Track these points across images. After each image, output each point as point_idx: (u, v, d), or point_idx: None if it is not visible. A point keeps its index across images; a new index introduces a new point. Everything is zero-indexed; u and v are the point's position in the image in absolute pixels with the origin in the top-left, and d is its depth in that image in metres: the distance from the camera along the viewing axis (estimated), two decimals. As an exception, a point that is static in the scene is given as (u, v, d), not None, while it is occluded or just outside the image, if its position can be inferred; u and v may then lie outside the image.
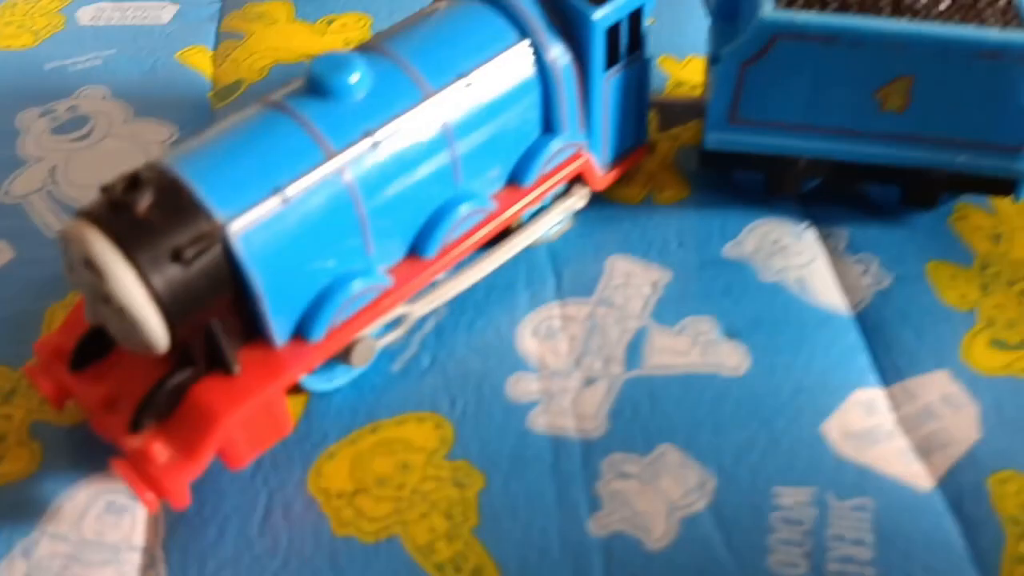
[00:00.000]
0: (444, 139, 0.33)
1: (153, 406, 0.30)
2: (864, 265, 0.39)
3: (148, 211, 0.28)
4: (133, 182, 0.28)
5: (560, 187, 0.39)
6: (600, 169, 0.40)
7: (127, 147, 0.46)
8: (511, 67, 0.35)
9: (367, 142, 0.31)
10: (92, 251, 0.27)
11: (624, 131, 0.40)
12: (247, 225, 0.29)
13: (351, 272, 0.32)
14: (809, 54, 0.35)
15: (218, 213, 0.29)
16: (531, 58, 0.35)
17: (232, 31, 0.54)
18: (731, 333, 0.37)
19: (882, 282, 0.39)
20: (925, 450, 0.33)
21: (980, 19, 0.35)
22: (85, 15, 0.55)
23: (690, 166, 0.43)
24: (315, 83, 0.32)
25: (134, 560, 0.31)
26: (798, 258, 0.39)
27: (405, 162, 0.32)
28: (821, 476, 0.32)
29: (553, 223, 0.39)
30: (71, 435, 0.34)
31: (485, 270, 0.37)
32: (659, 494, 0.32)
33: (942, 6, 0.35)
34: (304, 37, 0.53)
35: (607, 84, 0.37)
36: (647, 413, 0.34)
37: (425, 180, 0.33)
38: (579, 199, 0.40)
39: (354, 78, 0.32)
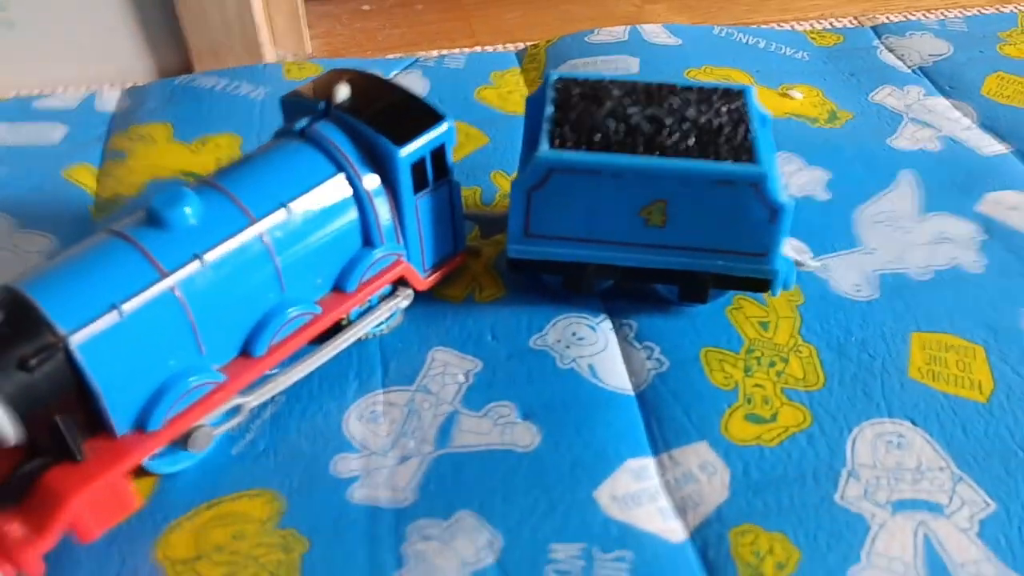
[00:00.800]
0: (267, 256, 0.39)
1: (8, 491, 0.34)
2: (648, 351, 0.46)
3: (0, 327, 0.33)
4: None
5: (386, 289, 0.45)
6: (421, 274, 0.46)
7: (8, 257, 0.50)
8: (328, 194, 0.41)
9: (196, 263, 0.37)
10: None
11: (440, 241, 0.46)
12: (86, 336, 0.34)
13: (186, 370, 0.37)
14: (580, 183, 0.42)
15: (60, 328, 0.34)
16: (348, 187, 0.41)
17: (116, 150, 0.59)
18: (527, 415, 0.43)
19: (662, 366, 0.45)
20: (681, 509, 0.39)
21: (718, 154, 0.42)
22: (-21, 136, 0.60)
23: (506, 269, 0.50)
24: (153, 215, 0.37)
25: (-15, 629, 0.35)
26: (592, 347, 0.46)
27: (231, 277, 0.38)
28: (589, 533, 0.38)
29: (379, 320, 0.45)
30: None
31: (315, 364, 0.43)
32: (454, 552, 0.37)
33: (689, 142, 0.43)
34: (180, 156, 0.59)
35: (418, 205, 0.44)
36: (450, 484, 0.40)
37: (251, 290, 0.39)
38: (403, 299, 0.46)
39: (187, 210, 0.37)
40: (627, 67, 0.66)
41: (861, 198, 0.55)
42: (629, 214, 0.43)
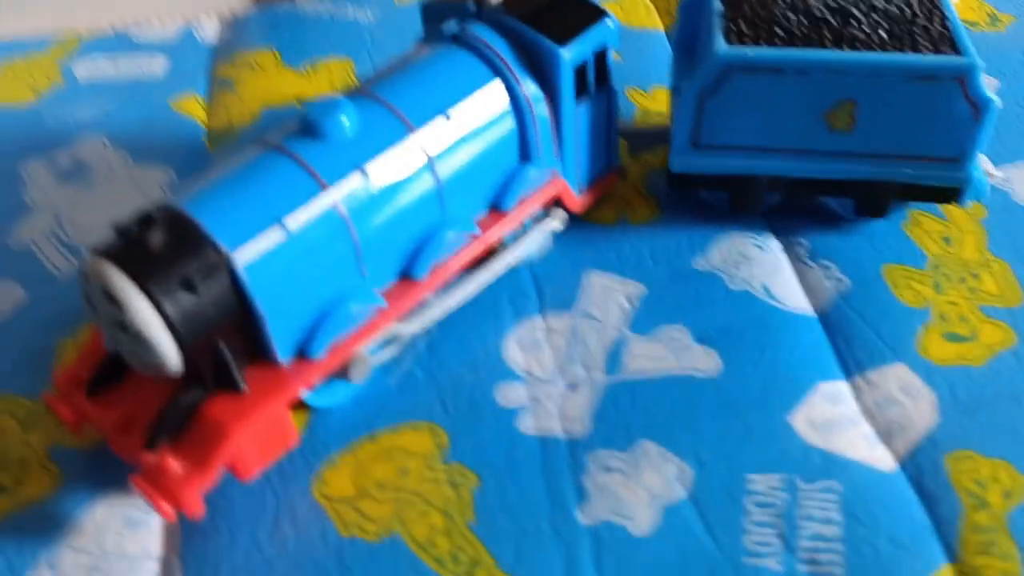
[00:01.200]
0: (428, 170, 0.36)
1: (166, 424, 0.32)
2: (825, 270, 0.42)
3: (160, 246, 0.30)
4: (146, 221, 0.31)
5: (540, 211, 0.42)
6: (576, 192, 0.43)
7: (128, 191, 0.48)
8: (487, 103, 0.38)
9: (358, 176, 0.34)
10: (110, 284, 0.30)
11: (596, 157, 0.43)
12: (250, 255, 0.32)
13: (348, 294, 0.35)
14: (760, 84, 0.38)
15: (223, 245, 0.31)
16: (505, 94, 0.38)
17: (223, 78, 0.56)
18: (703, 339, 0.39)
19: (842, 284, 0.41)
20: (887, 435, 0.36)
21: (915, 46, 0.38)
22: (82, 69, 0.57)
23: (660, 188, 0.46)
24: (308, 125, 0.34)
25: (152, 569, 0.33)
26: (763, 267, 0.42)
27: (393, 192, 0.35)
28: (790, 462, 0.34)
29: (534, 244, 0.42)
30: (88, 457, 0.36)
31: (472, 290, 0.40)
32: (641, 485, 0.34)
33: (881, 34, 0.38)
34: (291, 82, 0.55)
35: (577, 115, 0.40)
36: (628, 413, 0.37)
37: (413, 208, 0.36)
38: (557, 221, 0.43)
39: (344, 119, 0.34)
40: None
41: (1035, 105, 0.50)
42: (813, 118, 0.39)
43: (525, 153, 0.40)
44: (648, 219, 0.45)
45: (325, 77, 0.56)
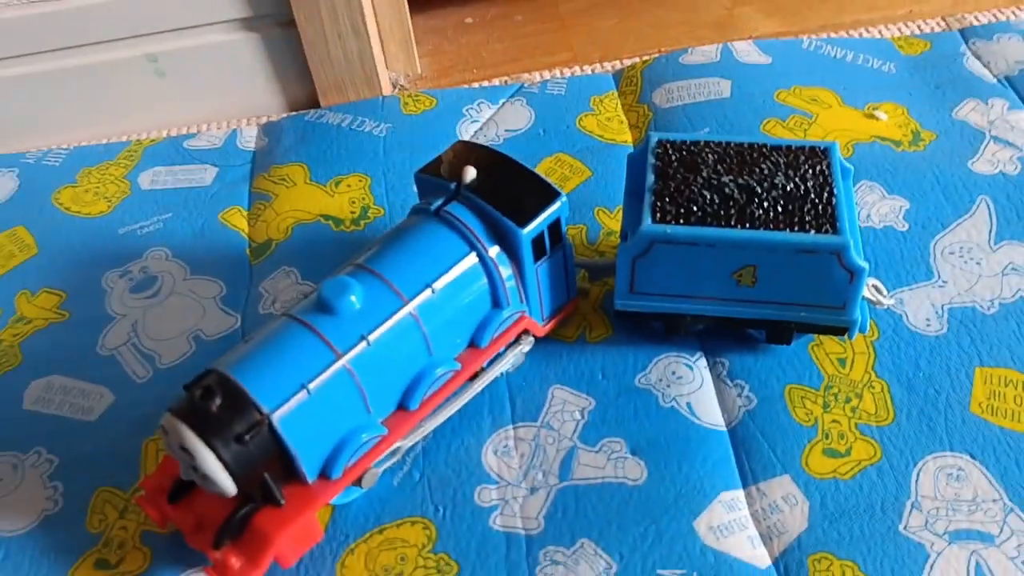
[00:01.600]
0: (417, 329, 0.47)
1: (227, 531, 0.44)
2: (739, 388, 0.53)
3: (217, 409, 0.42)
4: (207, 390, 0.42)
5: (511, 340, 0.53)
6: (540, 323, 0.54)
7: (188, 302, 0.60)
8: (463, 270, 0.49)
9: (363, 343, 0.45)
10: (185, 440, 0.41)
11: (556, 294, 0.54)
12: (284, 412, 0.43)
13: (358, 428, 0.46)
14: (679, 251, 0.49)
15: (264, 408, 0.43)
16: (477, 261, 0.49)
17: (261, 191, 0.68)
18: (635, 450, 0.50)
19: (751, 403, 0.52)
20: (767, 537, 0.47)
21: (802, 224, 0.48)
22: (145, 179, 0.69)
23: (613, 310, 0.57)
24: (324, 303, 0.46)
25: (218, 634, 0.45)
26: (690, 385, 0.53)
27: (390, 349, 0.46)
28: (690, 561, 0.46)
29: (508, 363, 0.53)
30: (170, 541, 0.49)
31: (457, 406, 0.51)
32: (578, 576, 0.46)
33: (778, 211, 0.49)
34: (318, 198, 0.66)
35: (537, 270, 0.51)
36: (573, 514, 0.48)
37: (406, 358, 0.47)
38: (526, 345, 0.54)
39: (352, 298, 0.46)
40: (720, 91, 0.71)
41: (938, 228, 0.60)
42: (723, 276, 0.50)
43: (496, 302, 0.50)
44: (603, 336, 0.56)
45: (346, 193, 0.67)
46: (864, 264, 0.48)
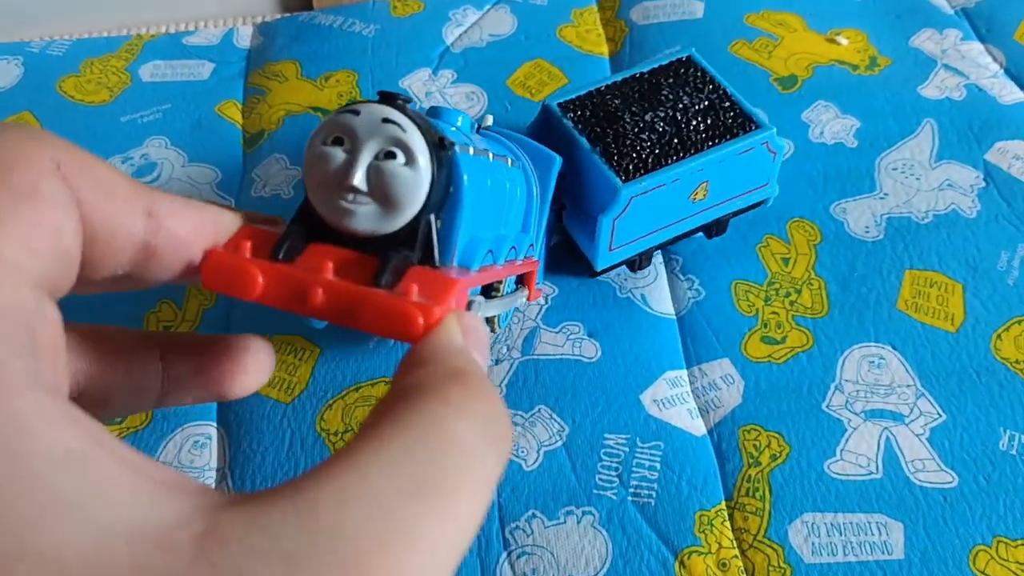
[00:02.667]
0: (507, 186, 0.43)
1: (390, 267, 0.30)
2: (690, 282, 0.58)
3: (414, 115, 0.33)
4: (400, 95, 0.33)
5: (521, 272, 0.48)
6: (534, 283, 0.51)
7: (186, 187, 0.64)
8: (516, 167, 0.47)
9: (486, 152, 0.41)
10: (391, 112, 0.31)
11: (545, 262, 0.55)
12: (464, 151, 0.35)
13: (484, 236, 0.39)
14: (650, 197, 0.52)
15: (449, 137, 0.34)
16: (522, 174, 0.48)
17: (255, 86, 0.71)
18: (592, 333, 0.56)
19: (700, 295, 0.57)
20: (704, 411, 0.52)
21: (733, 131, 0.53)
22: (145, 72, 0.72)
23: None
24: (436, 112, 0.41)
25: (212, 475, 0.51)
26: (646, 279, 0.58)
27: (498, 182, 0.41)
28: (634, 428, 0.51)
29: (515, 301, 0.49)
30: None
31: (497, 308, 0.46)
32: (534, 437, 0.51)
33: (707, 130, 0.54)
34: (308, 92, 0.70)
35: (550, 216, 0.53)
36: (532, 384, 0.53)
37: (499, 206, 0.42)
38: (521, 296, 0.50)
39: (459, 120, 0.41)
40: (692, 12, 0.74)
41: (884, 146, 0.64)
42: (683, 201, 0.54)
43: (525, 226, 0.49)
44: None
45: (334, 88, 0.71)
46: (781, 140, 0.55)
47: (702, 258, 0.59)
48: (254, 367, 0.35)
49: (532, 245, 0.49)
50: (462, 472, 0.24)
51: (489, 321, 0.49)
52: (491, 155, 0.41)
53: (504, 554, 0.47)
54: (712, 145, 0.53)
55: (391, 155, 0.31)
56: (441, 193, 0.33)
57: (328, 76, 0.72)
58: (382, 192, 0.31)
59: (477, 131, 0.48)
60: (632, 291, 0.58)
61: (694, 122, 0.54)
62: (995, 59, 0.70)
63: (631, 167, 0.52)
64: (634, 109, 0.55)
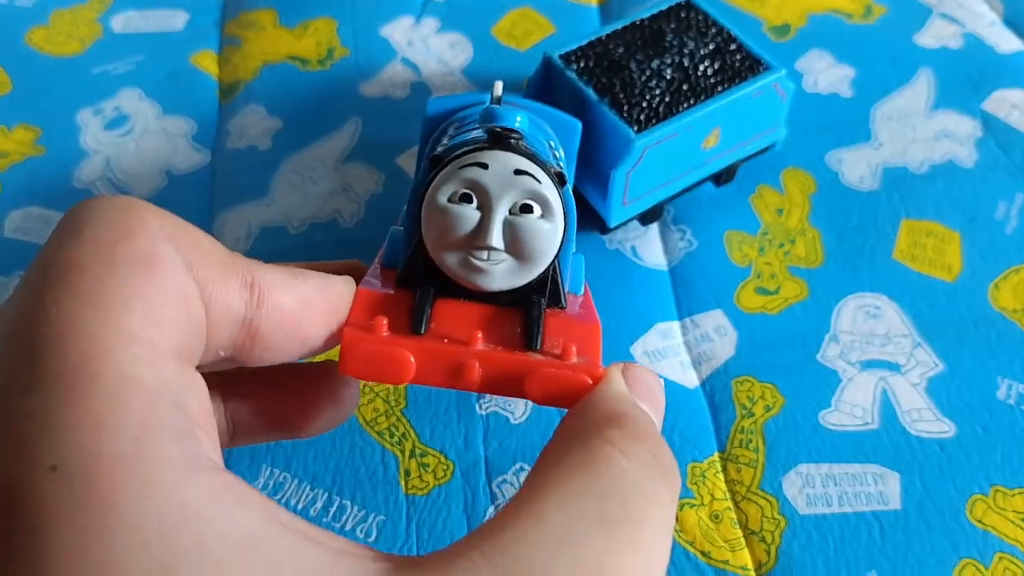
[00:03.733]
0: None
1: (534, 327, 0.30)
2: (682, 233, 0.56)
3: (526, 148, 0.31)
4: (512, 130, 0.31)
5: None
6: None
7: (160, 140, 0.62)
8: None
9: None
10: (522, 162, 0.30)
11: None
12: (568, 184, 0.32)
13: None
14: (663, 147, 0.50)
15: (555, 166, 0.32)
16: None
17: (231, 36, 0.69)
18: (581, 284, 0.54)
19: (692, 246, 0.56)
20: (697, 362, 0.51)
21: (742, 74, 0.51)
22: (117, 23, 0.70)
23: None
24: (494, 116, 0.35)
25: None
26: (636, 230, 0.56)
27: None
28: (624, 379, 0.50)
29: None
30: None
31: None
32: (522, 391, 0.50)
33: (716, 74, 0.52)
34: (286, 41, 0.68)
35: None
36: (520, 338, 0.52)
37: None
38: None
39: (518, 120, 0.34)
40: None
41: (880, 95, 0.63)
42: (695, 149, 0.52)
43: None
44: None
45: (312, 36, 0.68)
46: (790, 81, 0.53)
47: (695, 208, 0.57)
48: (327, 400, 0.33)
49: None
50: (642, 504, 0.24)
51: None
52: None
53: (491, 508, 0.46)
54: (723, 89, 0.51)
55: (527, 208, 0.30)
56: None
57: (307, 24, 0.69)
58: (519, 248, 0.30)
59: (492, 103, 0.46)
60: (622, 242, 0.56)
61: (701, 67, 0.52)
62: (992, 7, 0.69)
63: (642, 117, 0.50)
64: (639, 57, 0.53)
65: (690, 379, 0.50)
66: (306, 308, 0.28)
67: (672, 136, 0.50)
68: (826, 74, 0.64)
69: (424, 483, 0.47)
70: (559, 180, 0.31)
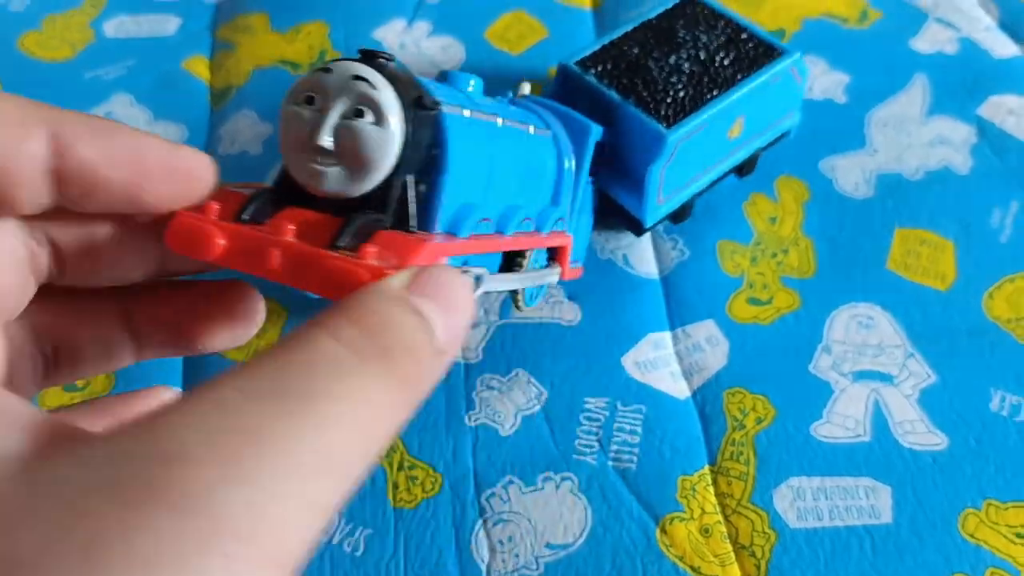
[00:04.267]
0: (524, 155, 0.42)
1: (350, 235, 0.29)
2: (674, 242, 0.56)
3: (396, 70, 0.32)
4: (383, 53, 0.32)
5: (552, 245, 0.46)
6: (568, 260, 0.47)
7: (151, 146, 0.61)
8: (542, 140, 0.45)
9: (496, 118, 0.39)
10: (362, 69, 0.31)
11: (578, 241, 0.50)
12: (453, 111, 0.34)
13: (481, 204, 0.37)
14: (693, 139, 0.50)
15: (437, 97, 0.33)
16: (552, 144, 0.46)
17: (224, 40, 0.69)
18: (572, 296, 0.54)
19: (684, 255, 0.55)
20: (688, 373, 0.51)
21: (759, 62, 0.52)
22: (109, 27, 0.70)
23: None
24: (447, 77, 0.39)
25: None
26: (628, 239, 0.56)
27: (510, 150, 0.40)
28: (615, 390, 0.50)
29: (543, 277, 0.45)
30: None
31: (516, 284, 0.42)
32: (511, 401, 0.50)
33: (733, 64, 0.52)
34: (277, 45, 0.68)
35: (584, 191, 0.49)
36: (510, 348, 0.52)
37: (511, 175, 0.40)
38: (553, 275, 0.47)
39: (471, 83, 0.39)
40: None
41: (875, 101, 0.62)
42: (720, 139, 0.52)
43: (555, 198, 0.46)
44: (550, 191, 0.59)
45: (305, 40, 0.68)
46: (805, 64, 0.54)
47: (689, 219, 0.57)
48: (229, 317, 0.34)
49: (562, 219, 0.46)
50: (332, 379, 0.22)
51: (513, 296, 0.47)
52: (500, 120, 0.39)
53: (479, 521, 0.46)
54: (742, 78, 0.51)
55: (359, 113, 0.30)
56: (421, 155, 0.32)
57: (299, 28, 0.69)
58: (349, 152, 0.31)
59: (512, 99, 0.48)
60: (614, 251, 0.56)
61: (718, 58, 0.52)
62: (988, 12, 0.68)
63: (670, 112, 0.50)
64: (655, 55, 0.53)
65: (681, 390, 0.50)
66: (110, 163, 0.28)
67: (701, 128, 0.50)
68: (820, 80, 0.64)
69: (412, 496, 0.46)
70: (418, 103, 0.31)
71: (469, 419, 0.49)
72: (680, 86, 0.51)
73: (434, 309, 0.26)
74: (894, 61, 0.65)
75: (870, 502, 0.46)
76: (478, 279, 0.34)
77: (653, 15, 0.55)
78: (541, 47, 0.67)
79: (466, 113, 0.36)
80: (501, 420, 0.49)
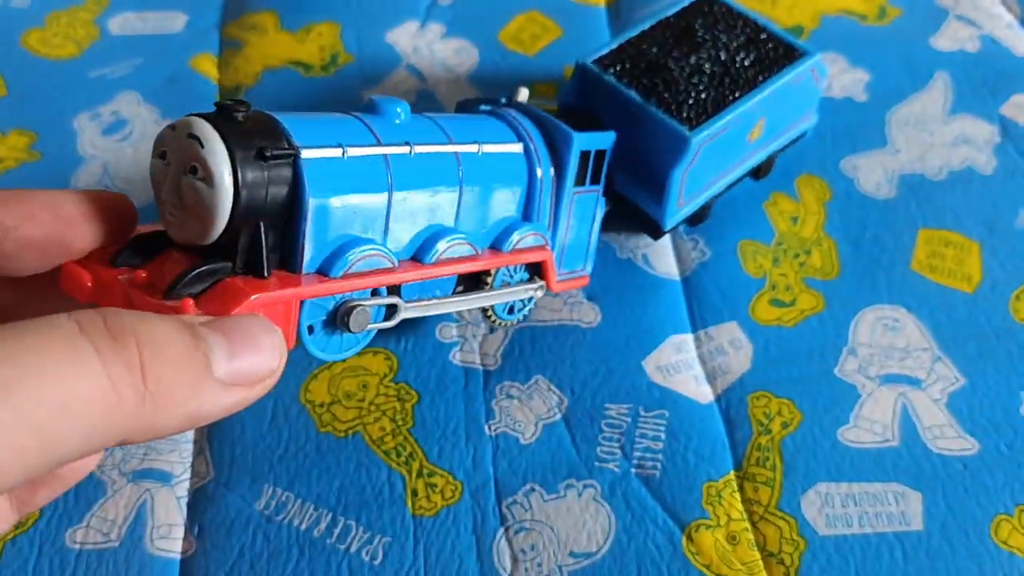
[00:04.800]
0: (455, 176, 0.42)
1: (188, 281, 0.33)
2: (695, 242, 0.55)
3: (245, 121, 0.34)
4: (239, 102, 0.34)
5: (524, 276, 0.47)
6: (554, 273, 0.48)
7: (159, 146, 0.60)
8: (510, 156, 0.45)
9: (405, 147, 0.40)
10: (196, 127, 0.33)
11: (575, 250, 0.50)
12: (314, 155, 0.36)
13: (370, 239, 0.39)
14: (715, 141, 0.49)
15: (295, 142, 0.35)
16: (523, 156, 0.45)
17: (232, 39, 0.67)
18: (591, 296, 0.53)
19: (705, 256, 0.54)
20: (711, 377, 0.50)
21: (780, 63, 0.51)
22: (115, 25, 0.68)
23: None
24: (371, 106, 0.41)
25: (189, 448, 0.48)
26: (647, 239, 0.55)
27: (427, 175, 0.41)
28: (636, 396, 0.48)
29: (515, 294, 0.47)
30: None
31: (461, 306, 0.45)
32: (531, 409, 0.49)
33: (754, 65, 0.51)
34: (288, 45, 0.66)
35: (572, 201, 0.48)
36: (528, 353, 0.50)
37: (436, 202, 0.41)
38: (538, 288, 0.48)
39: (399, 110, 0.40)
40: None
41: (895, 100, 0.61)
42: (742, 142, 0.51)
43: (527, 214, 0.46)
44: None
45: (316, 40, 0.67)
46: (825, 65, 0.53)
47: (708, 218, 0.56)
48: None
49: (537, 234, 0.46)
50: (42, 337, 0.25)
51: (485, 313, 0.47)
52: (410, 149, 0.41)
53: (501, 530, 0.44)
54: (764, 79, 0.51)
55: (194, 170, 0.33)
56: (278, 202, 0.35)
57: (309, 28, 0.68)
58: (188, 205, 0.34)
59: (509, 104, 0.49)
60: (633, 251, 0.55)
61: (738, 59, 0.51)
62: (1010, 9, 0.67)
63: (692, 114, 0.49)
64: (675, 55, 0.51)
65: (704, 394, 0.49)
66: (31, 222, 0.33)
67: (724, 131, 0.49)
68: (840, 78, 0.63)
69: (432, 504, 0.45)
70: (260, 155, 0.34)
71: (489, 428, 0.48)
72: (702, 87, 0.50)
73: (220, 341, 0.29)
74: (914, 59, 0.64)
75: (900, 508, 0.44)
76: (393, 308, 0.41)
77: (671, 13, 0.54)
78: (556, 47, 0.66)
79: (341, 153, 0.37)
80: (521, 429, 0.48)
